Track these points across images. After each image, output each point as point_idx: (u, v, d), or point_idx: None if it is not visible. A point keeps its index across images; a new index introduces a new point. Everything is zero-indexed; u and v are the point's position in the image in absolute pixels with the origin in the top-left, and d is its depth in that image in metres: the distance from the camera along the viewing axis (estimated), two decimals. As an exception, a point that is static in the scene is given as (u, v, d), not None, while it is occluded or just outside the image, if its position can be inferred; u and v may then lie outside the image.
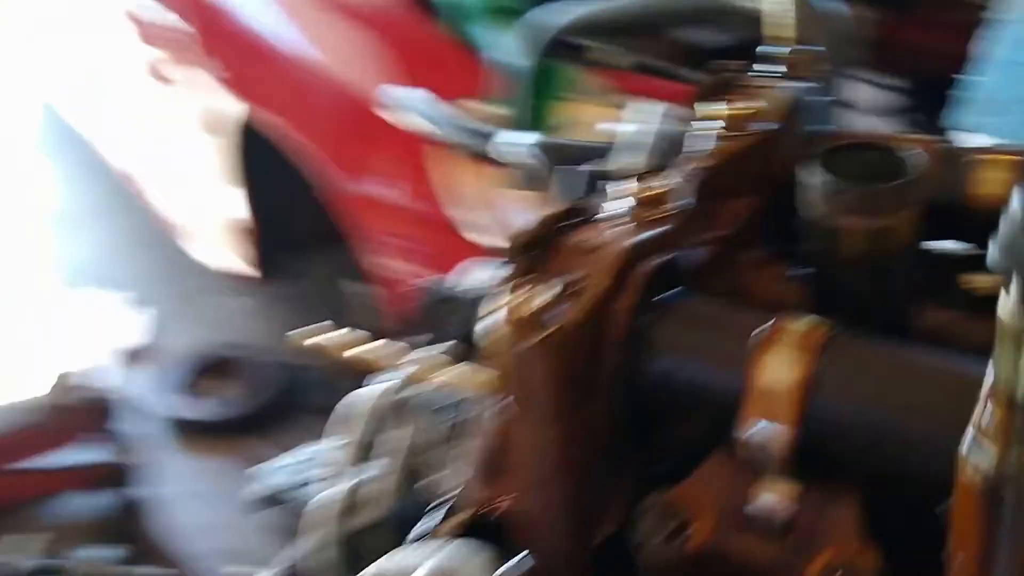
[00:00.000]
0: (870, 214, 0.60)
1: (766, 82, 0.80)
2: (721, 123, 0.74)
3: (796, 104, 0.78)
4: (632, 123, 1.04)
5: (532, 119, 1.53)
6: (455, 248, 2.34)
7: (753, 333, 0.57)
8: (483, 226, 2.34)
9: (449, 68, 2.48)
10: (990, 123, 1.12)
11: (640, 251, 0.61)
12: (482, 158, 1.15)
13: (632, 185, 0.65)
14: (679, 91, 2.59)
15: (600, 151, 1.07)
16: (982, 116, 1.14)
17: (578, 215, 0.64)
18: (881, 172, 0.63)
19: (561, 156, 1.02)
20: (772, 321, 0.58)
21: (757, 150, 0.74)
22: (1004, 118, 1.11)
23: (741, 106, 0.74)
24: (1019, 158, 0.71)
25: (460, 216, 2.36)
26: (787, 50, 0.82)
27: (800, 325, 0.57)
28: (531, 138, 1.02)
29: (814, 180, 0.62)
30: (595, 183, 0.90)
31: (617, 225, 0.63)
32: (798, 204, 0.64)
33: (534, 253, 0.60)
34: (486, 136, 1.10)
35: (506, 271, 0.61)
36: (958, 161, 0.72)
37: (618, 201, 0.65)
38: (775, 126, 0.75)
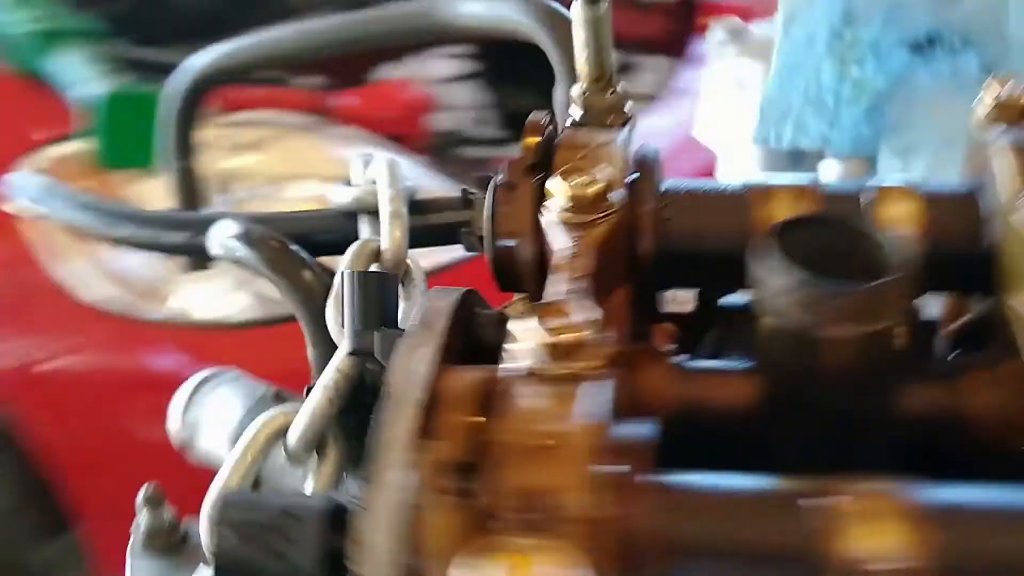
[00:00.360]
0: (864, 320, 0.46)
1: (588, 136, 0.64)
2: (564, 206, 0.57)
3: (644, 161, 0.62)
4: (354, 184, 0.84)
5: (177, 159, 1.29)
6: (64, 313, 2.04)
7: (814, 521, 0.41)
8: (94, 284, 2.04)
9: (17, 107, 2.13)
10: (774, 131, 1.04)
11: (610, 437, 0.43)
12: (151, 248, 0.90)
13: (533, 329, 0.46)
14: (289, 98, 2.43)
15: (319, 221, 0.86)
16: (767, 125, 1.06)
17: (488, 397, 0.44)
18: (839, 251, 0.49)
19: (270, 247, 0.79)
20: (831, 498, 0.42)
21: (622, 230, 0.58)
22: (785, 124, 1.03)
23: (586, 180, 0.57)
24: (917, 190, 0.60)
25: (65, 276, 2.04)
26: (584, 90, 0.67)
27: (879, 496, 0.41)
28: (234, 228, 0.79)
29: (779, 279, 0.47)
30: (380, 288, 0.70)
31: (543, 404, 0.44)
32: (752, 305, 0.49)
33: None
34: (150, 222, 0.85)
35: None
36: (854, 202, 0.60)
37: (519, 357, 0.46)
38: (625, 194, 0.60)
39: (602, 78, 0.67)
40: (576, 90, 0.68)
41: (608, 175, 0.58)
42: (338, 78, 2.46)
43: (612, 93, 0.68)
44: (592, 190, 0.57)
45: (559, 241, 0.57)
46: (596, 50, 0.67)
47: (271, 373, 0.85)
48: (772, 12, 1.14)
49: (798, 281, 0.46)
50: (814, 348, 0.47)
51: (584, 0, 0.65)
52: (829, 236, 0.50)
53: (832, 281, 0.46)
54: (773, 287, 0.47)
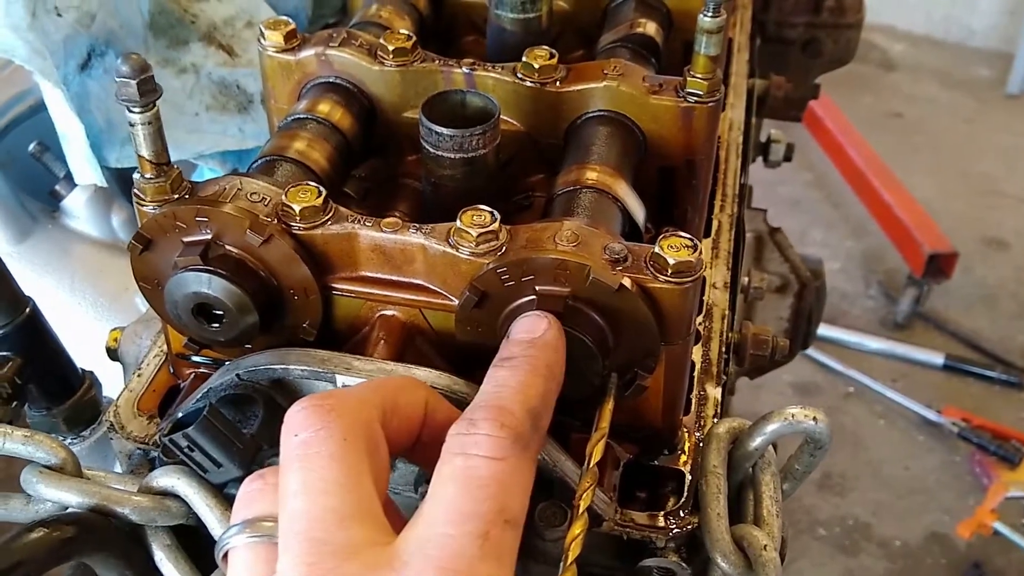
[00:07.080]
0: (462, 150, 0.92)
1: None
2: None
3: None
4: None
5: None
6: None
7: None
8: None
9: None
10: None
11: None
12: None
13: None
14: None
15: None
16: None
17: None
18: (461, 111, 0.95)
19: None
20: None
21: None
22: None
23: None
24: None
25: None
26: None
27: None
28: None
29: (425, 128, 0.92)
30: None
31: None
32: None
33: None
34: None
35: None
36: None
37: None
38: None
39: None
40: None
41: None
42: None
43: None
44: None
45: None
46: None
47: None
48: None
49: (429, 128, 0.92)
50: (443, 161, 0.93)
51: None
52: (457, 101, 0.95)
53: (448, 127, 0.91)
54: (423, 132, 0.93)
